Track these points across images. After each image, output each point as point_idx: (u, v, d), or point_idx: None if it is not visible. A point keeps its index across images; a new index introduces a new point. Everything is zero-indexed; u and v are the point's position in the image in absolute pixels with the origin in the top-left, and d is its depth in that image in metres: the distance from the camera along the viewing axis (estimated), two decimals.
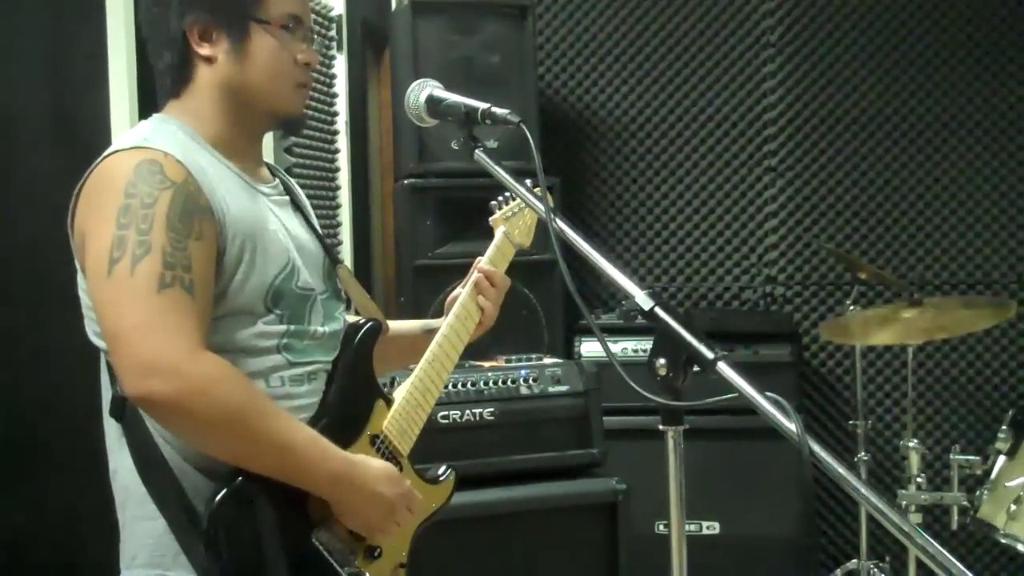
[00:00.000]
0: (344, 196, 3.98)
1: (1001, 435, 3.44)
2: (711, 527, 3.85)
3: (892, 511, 1.47)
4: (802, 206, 4.53)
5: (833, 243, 4.50)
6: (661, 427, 1.71)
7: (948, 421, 4.48)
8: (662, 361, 1.68)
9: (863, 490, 1.50)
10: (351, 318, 2.03)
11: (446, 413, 3.06)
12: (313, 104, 3.68)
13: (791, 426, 1.53)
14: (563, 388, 3.19)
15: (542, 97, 4.32)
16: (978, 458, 3.42)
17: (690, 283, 4.57)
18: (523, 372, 3.19)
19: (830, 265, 4.52)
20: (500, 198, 2.21)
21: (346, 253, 3.98)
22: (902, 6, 4.49)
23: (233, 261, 1.73)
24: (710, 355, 1.63)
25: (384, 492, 1.79)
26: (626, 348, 3.78)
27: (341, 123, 3.97)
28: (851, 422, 4.02)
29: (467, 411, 3.09)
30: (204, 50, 1.81)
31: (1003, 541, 3.36)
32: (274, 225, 1.84)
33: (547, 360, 3.35)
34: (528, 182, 1.88)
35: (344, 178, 3.98)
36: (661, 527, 3.89)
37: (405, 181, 3.78)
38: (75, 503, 2.66)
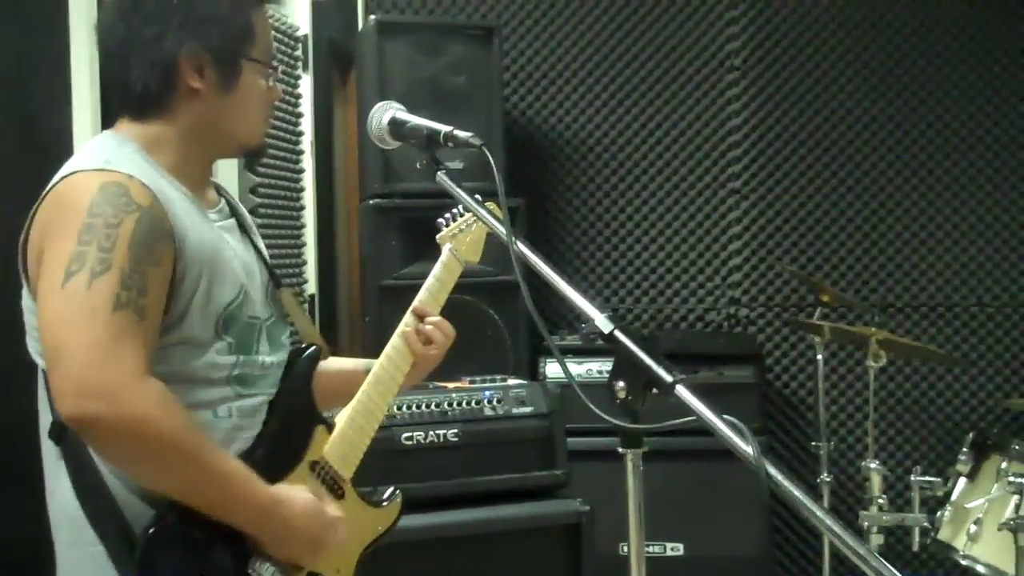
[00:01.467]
0: (309, 216, 3.97)
1: (962, 457, 3.47)
2: (675, 548, 3.85)
3: (846, 532, 1.48)
4: (766, 228, 4.56)
5: (796, 265, 4.53)
6: (620, 449, 1.72)
7: (910, 443, 4.51)
8: (621, 384, 1.69)
9: (818, 512, 1.52)
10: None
11: (410, 434, 3.06)
12: (278, 124, 3.68)
13: (748, 448, 1.54)
14: (527, 409, 3.19)
15: (508, 118, 4.33)
16: (939, 479, 3.45)
17: (655, 304, 4.58)
18: (487, 393, 3.19)
19: (793, 287, 4.55)
20: (448, 215, 2.22)
21: (311, 273, 3.97)
22: (864, 31, 4.54)
23: (190, 288, 1.72)
24: (668, 378, 1.64)
25: (306, 526, 1.78)
26: (591, 369, 3.79)
27: (306, 143, 3.97)
28: (814, 443, 4.05)
29: (431, 432, 3.09)
30: (194, 82, 1.80)
31: (963, 563, 3.38)
32: (228, 252, 1.83)
33: (512, 381, 3.35)
34: (489, 205, 1.89)
35: (309, 198, 3.98)
36: (625, 548, 3.87)
37: (370, 201, 3.78)
38: (10, 527, 2.60)
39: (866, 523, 3.49)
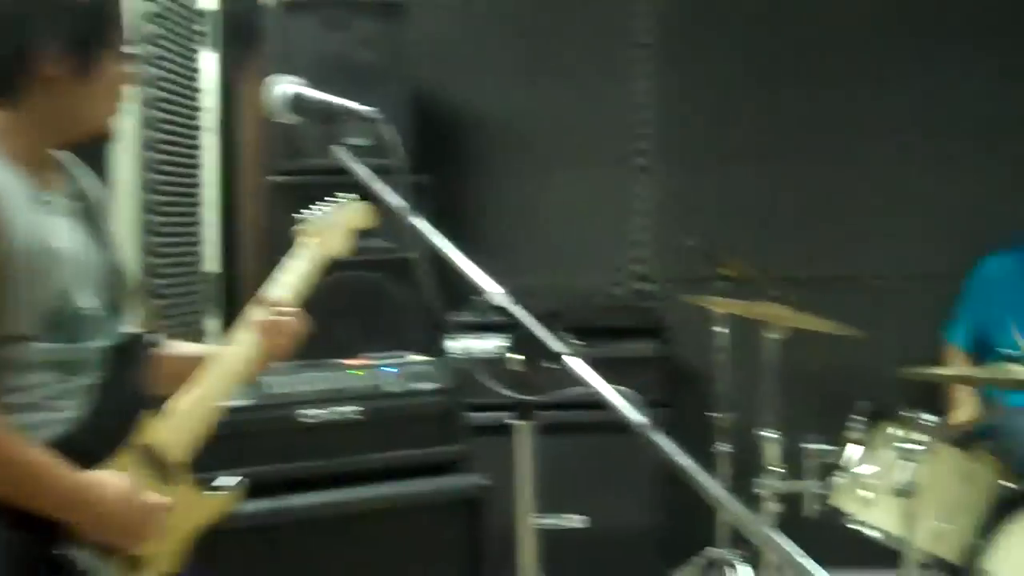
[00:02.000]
0: (210, 194, 3.94)
1: (855, 425, 3.56)
2: (574, 520, 3.91)
3: (732, 500, 1.53)
4: (671, 204, 4.62)
5: (702, 240, 4.59)
6: (511, 421, 1.75)
7: (807, 412, 4.60)
8: (514, 356, 1.71)
9: (706, 481, 1.56)
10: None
11: (308, 412, 3.04)
12: (175, 100, 3.64)
13: (638, 418, 1.59)
14: (427, 385, 3.19)
15: (417, 95, 4.32)
16: (833, 447, 3.53)
17: (560, 280, 4.62)
18: (387, 369, 3.19)
19: (697, 262, 4.61)
20: (312, 206, 2.22)
21: (214, 251, 3.94)
22: (769, 8, 4.61)
23: (12, 281, 1.69)
24: (558, 349, 1.67)
25: (119, 511, 1.76)
26: (496, 345, 3.81)
27: (209, 120, 3.93)
28: (715, 414, 4.13)
29: (330, 409, 3.07)
30: (50, 70, 1.76)
31: (856, 528, 3.48)
32: (58, 242, 1.79)
33: (412, 358, 3.35)
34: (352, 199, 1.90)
35: (210, 175, 3.94)
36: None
37: (274, 178, 3.75)
38: None
39: (762, 491, 3.57)
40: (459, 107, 4.60)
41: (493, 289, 1.71)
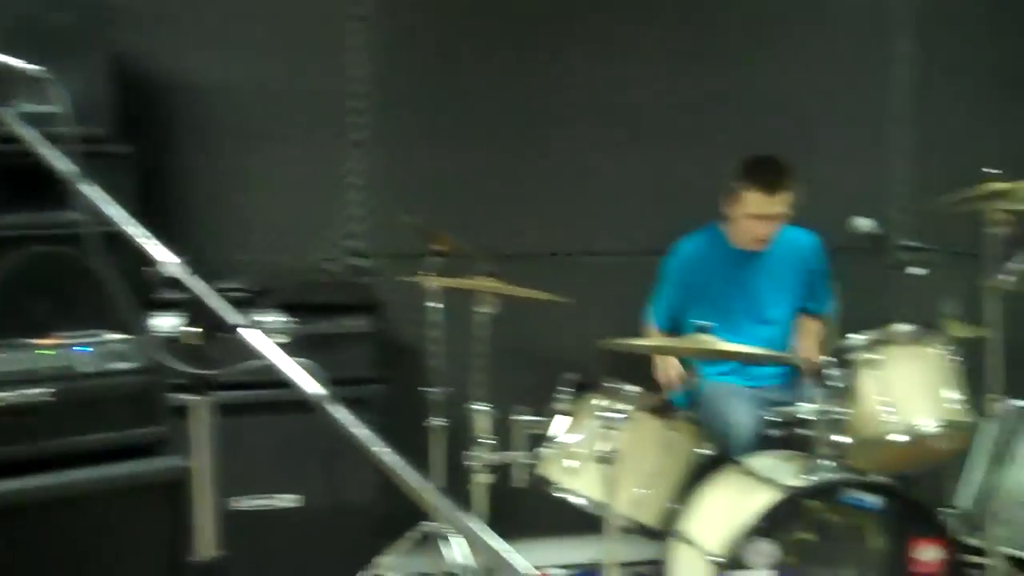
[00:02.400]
0: None
1: (563, 396, 3.65)
2: (288, 500, 3.85)
3: (411, 472, 1.53)
4: (386, 180, 4.60)
5: (415, 216, 4.60)
6: (186, 396, 1.68)
7: (517, 384, 4.70)
8: (190, 329, 1.65)
9: (381, 453, 1.56)
10: None
11: None
12: None
13: (319, 391, 1.56)
14: (124, 365, 3.06)
15: (120, 62, 4.11)
16: (541, 418, 3.60)
17: (271, 255, 4.53)
18: (80, 349, 3.03)
19: (412, 237, 4.61)
20: None
21: None
22: None
23: None
24: (234, 321, 1.62)
25: None
26: (177, 319, 3.69)
27: None
28: (428, 389, 4.15)
29: (19, 391, 2.89)
30: None
31: (562, 496, 3.58)
32: None
33: (108, 336, 3.19)
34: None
35: None
36: (238, 503, 3.86)
37: None
38: None
39: (472, 463, 3.62)
40: (170, 76, 4.40)
41: (164, 258, 1.63)
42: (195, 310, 1.65)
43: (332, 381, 4.09)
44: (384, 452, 1.55)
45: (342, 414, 1.55)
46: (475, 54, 4.65)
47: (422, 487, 1.54)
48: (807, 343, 4.29)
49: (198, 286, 1.65)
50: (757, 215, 4.11)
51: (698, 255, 4.35)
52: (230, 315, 1.61)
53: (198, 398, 1.68)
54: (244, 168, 4.48)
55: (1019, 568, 4.04)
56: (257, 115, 4.49)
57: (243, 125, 4.48)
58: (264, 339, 1.61)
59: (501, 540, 1.67)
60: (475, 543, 1.59)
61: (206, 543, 1.74)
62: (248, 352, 1.58)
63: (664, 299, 4.41)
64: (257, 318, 3.84)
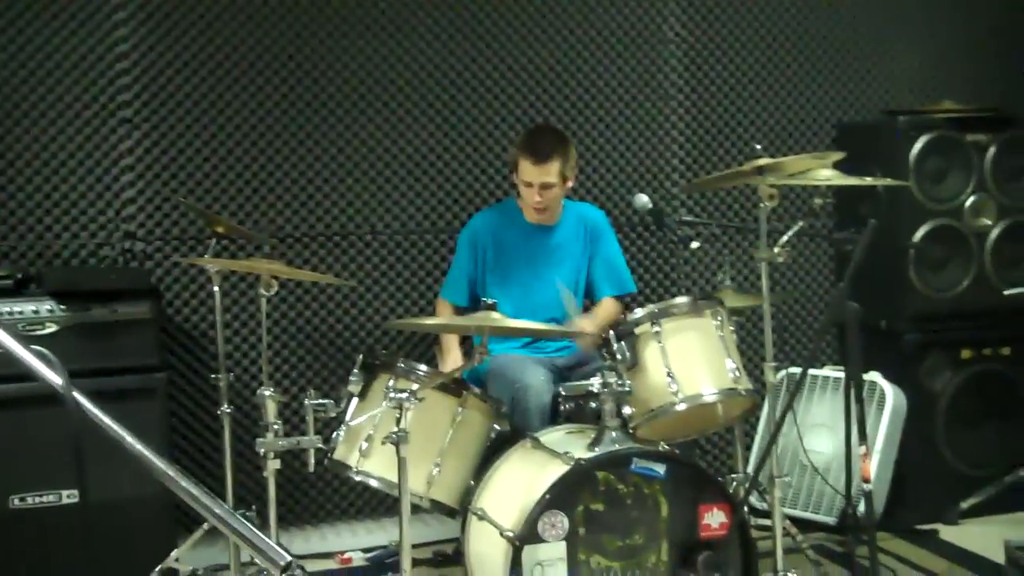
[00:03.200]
0: None
1: (353, 378, 3.60)
2: (70, 496, 3.68)
3: (161, 462, 1.49)
4: (160, 159, 4.44)
5: (193, 198, 4.45)
6: None
7: (307, 368, 4.64)
8: None
9: (132, 441, 1.52)
10: None
11: None
12: None
13: (57, 379, 1.51)
14: None
15: None
16: (331, 402, 3.55)
17: (42, 240, 4.29)
18: None
19: (190, 220, 4.47)
20: None
21: None
22: None
23: None
24: None
25: None
26: None
27: None
28: (214, 376, 4.04)
29: None
30: None
31: (357, 479, 3.53)
32: None
33: None
34: None
35: None
36: (16, 501, 3.67)
37: None
38: None
39: (263, 449, 3.53)
40: None
41: None
42: None
43: (112, 370, 3.96)
44: (132, 443, 1.51)
45: (87, 405, 1.50)
46: (249, 30, 4.52)
47: (172, 477, 1.51)
48: (596, 320, 4.37)
49: None
50: (529, 183, 4.20)
51: (491, 227, 4.39)
52: None
53: None
54: (5, 149, 4.23)
55: (800, 528, 4.27)
56: (24, 93, 4.25)
57: (7, 102, 4.23)
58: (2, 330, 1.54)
59: (255, 529, 1.67)
60: (232, 533, 1.57)
61: None
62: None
63: (461, 272, 4.41)
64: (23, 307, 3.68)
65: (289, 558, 1.60)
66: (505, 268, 4.34)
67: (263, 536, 1.59)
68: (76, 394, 1.44)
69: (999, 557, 4.12)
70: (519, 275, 4.34)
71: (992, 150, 4.89)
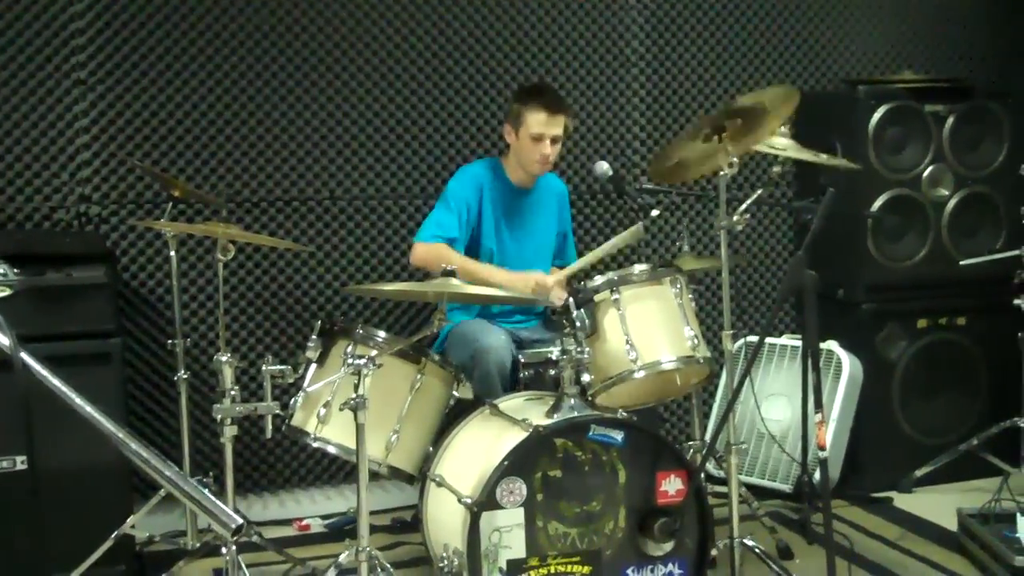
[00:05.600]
0: None
1: (311, 344, 3.58)
2: (21, 462, 3.63)
3: (112, 425, 1.58)
4: (116, 122, 4.37)
5: (149, 161, 4.39)
6: None
7: (264, 334, 4.61)
8: None
9: (82, 404, 1.52)
10: None
11: None
12: None
13: (4, 340, 1.49)
14: None
15: None
16: (289, 367, 3.52)
17: None
18: None
19: (147, 183, 4.41)
20: None
21: None
22: None
23: None
24: None
25: None
26: None
27: None
28: (171, 341, 4.01)
29: None
30: None
31: (315, 445, 3.52)
32: None
33: None
34: None
35: None
36: None
37: None
38: None
39: (220, 416, 3.51)
40: None
41: None
42: None
43: (67, 335, 3.90)
44: (82, 405, 1.50)
45: (34, 363, 1.48)
46: None
47: (122, 439, 1.49)
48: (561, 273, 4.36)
49: None
50: (539, 135, 4.17)
51: (480, 181, 4.33)
52: None
53: None
54: None
55: (756, 495, 4.31)
56: None
57: None
58: None
59: (208, 493, 1.67)
60: (184, 496, 1.57)
61: None
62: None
63: (458, 215, 4.24)
64: None
65: (240, 521, 1.59)
66: (488, 224, 4.31)
67: (215, 499, 1.58)
68: (24, 355, 1.42)
69: (952, 525, 4.19)
70: (500, 233, 4.33)
71: (950, 120, 4.92)
